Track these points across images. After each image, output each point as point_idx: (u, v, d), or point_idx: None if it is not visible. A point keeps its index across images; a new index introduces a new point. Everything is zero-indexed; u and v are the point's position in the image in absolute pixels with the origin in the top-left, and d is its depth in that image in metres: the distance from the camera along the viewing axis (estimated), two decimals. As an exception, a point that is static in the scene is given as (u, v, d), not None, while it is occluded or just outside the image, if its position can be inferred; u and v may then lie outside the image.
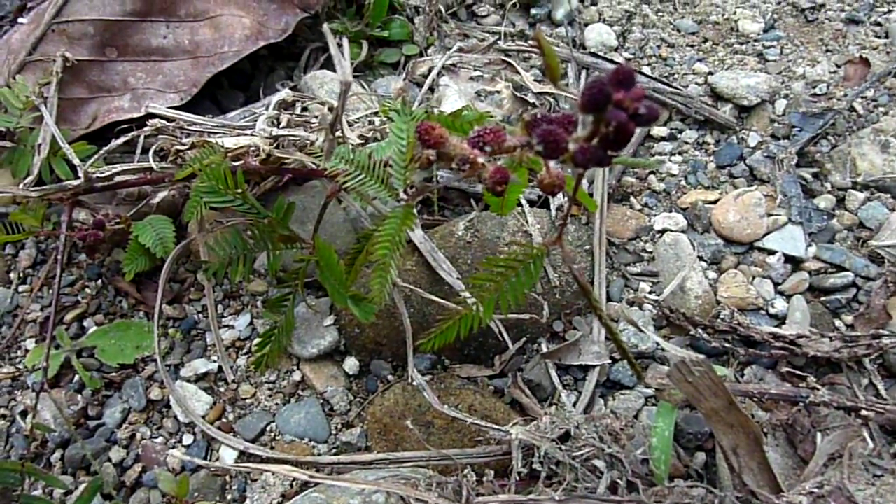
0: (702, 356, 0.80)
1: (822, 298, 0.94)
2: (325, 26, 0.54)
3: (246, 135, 0.86)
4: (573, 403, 0.90)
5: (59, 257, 0.90)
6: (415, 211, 0.65)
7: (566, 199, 0.98)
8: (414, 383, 0.88)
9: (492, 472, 0.80)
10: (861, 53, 1.12)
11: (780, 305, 0.94)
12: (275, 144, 0.80)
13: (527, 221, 0.94)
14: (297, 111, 0.86)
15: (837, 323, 0.93)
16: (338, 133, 0.63)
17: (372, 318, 0.77)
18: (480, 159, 0.63)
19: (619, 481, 0.78)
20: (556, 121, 0.57)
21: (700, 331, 0.92)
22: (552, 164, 0.62)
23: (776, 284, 0.96)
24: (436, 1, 1.14)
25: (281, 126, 0.79)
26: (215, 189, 0.82)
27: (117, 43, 1.03)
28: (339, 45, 0.56)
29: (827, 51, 1.15)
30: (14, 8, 1.16)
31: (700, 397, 0.78)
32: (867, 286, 0.93)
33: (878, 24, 1.17)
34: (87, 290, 0.99)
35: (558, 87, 0.56)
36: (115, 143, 0.92)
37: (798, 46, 1.15)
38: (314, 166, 0.81)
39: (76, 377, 0.93)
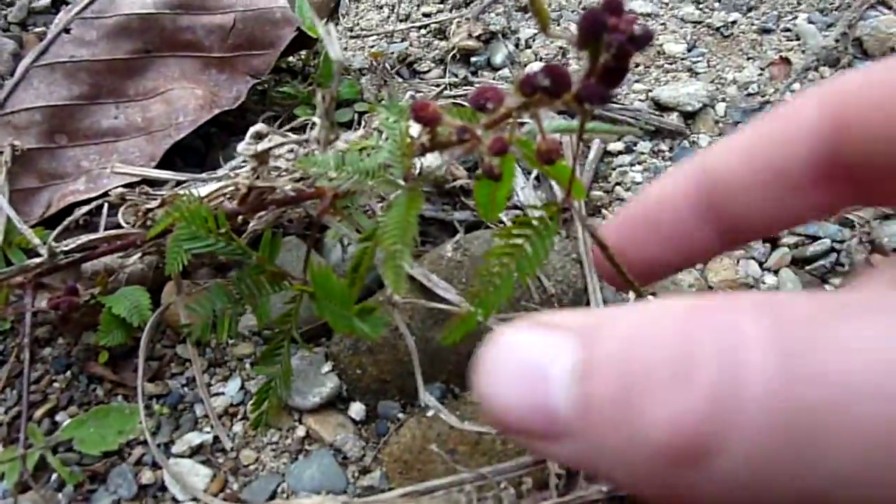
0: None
1: (807, 268, 0.96)
2: (323, 25, 0.55)
3: (220, 181, 0.83)
4: (594, 408, 0.86)
5: (25, 341, 0.83)
6: (422, 194, 0.64)
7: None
8: (428, 413, 0.84)
9: (530, 481, 0.75)
10: (780, 55, 1.20)
11: (770, 280, 0.95)
12: (255, 176, 0.78)
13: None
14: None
15: (828, 287, 0.94)
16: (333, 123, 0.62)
17: (382, 333, 0.73)
18: (479, 130, 0.63)
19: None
20: (552, 64, 0.58)
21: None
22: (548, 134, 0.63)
23: (760, 263, 0.97)
24: (382, 60, 1.17)
25: (263, 145, 0.77)
26: (196, 235, 0.78)
27: (67, 128, 1.01)
28: (327, 30, 0.57)
29: (749, 58, 1.23)
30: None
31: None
32: (844, 247, 0.96)
33: (788, 29, 1.27)
34: (56, 383, 0.91)
35: (549, 34, 0.57)
36: (76, 214, 0.88)
37: (722, 58, 1.23)
38: (294, 194, 0.79)
39: (54, 476, 0.84)
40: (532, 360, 0.37)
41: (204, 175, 0.92)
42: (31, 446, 0.85)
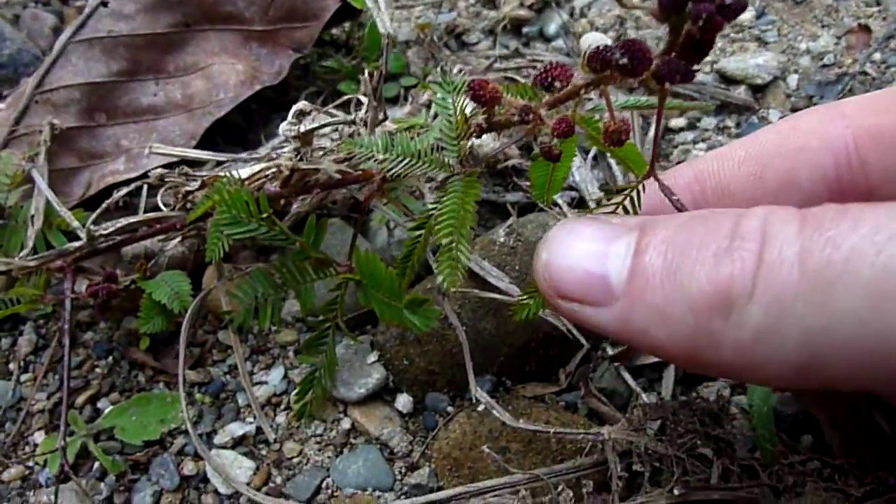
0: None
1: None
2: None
3: (260, 163, 0.79)
4: (659, 399, 0.81)
5: (65, 327, 0.81)
6: (479, 179, 0.58)
7: (602, 193, 0.93)
8: (479, 408, 0.79)
9: (591, 484, 0.70)
10: (858, 22, 1.11)
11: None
12: (298, 157, 0.74)
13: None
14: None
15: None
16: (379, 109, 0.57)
17: (434, 325, 0.69)
18: (542, 111, 0.58)
19: (731, 467, 0.69)
20: (630, 40, 0.52)
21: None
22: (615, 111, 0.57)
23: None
24: (429, 32, 1.11)
25: (307, 126, 0.73)
26: (237, 219, 0.74)
27: (106, 106, 0.98)
28: (376, 1, 0.51)
29: (823, 26, 1.14)
30: (-11, 99, 1.11)
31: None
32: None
33: (867, -6, 1.17)
34: (98, 369, 0.90)
35: (625, 4, 0.51)
36: (115, 196, 0.85)
37: (794, 26, 1.14)
38: (340, 176, 0.74)
39: (96, 464, 0.82)
40: (594, 237, 0.46)
41: (245, 155, 0.88)
42: (72, 434, 0.83)
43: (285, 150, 0.77)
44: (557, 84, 0.54)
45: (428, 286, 0.84)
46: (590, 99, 0.86)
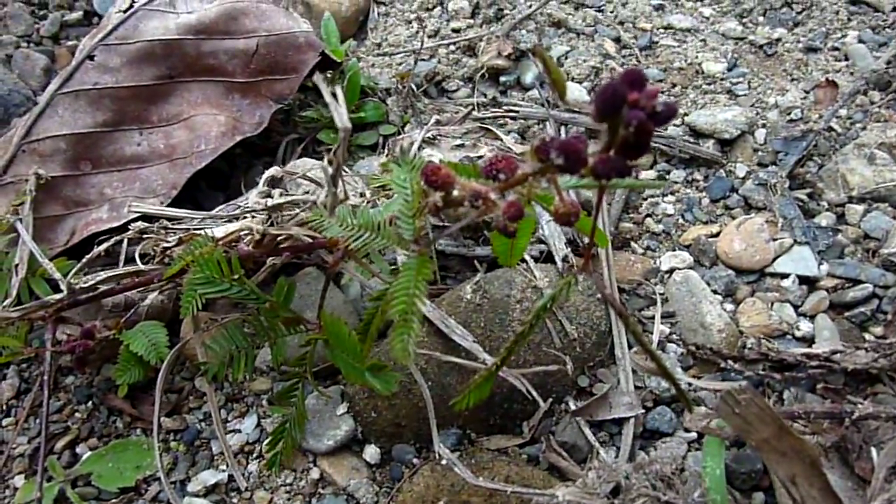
0: (745, 383, 0.76)
1: (846, 314, 0.91)
2: (318, 76, 0.53)
3: (235, 222, 0.82)
4: (613, 459, 0.84)
5: (45, 378, 0.84)
6: (430, 259, 0.61)
7: (569, 249, 0.96)
8: (442, 461, 0.82)
9: (544, 544, 0.73)
10: (826, 77, 1.14)
11: (805, 327, 0.91)
12: (268, 222, 0.77)
13: (535, 276, 0.91)
14: (287, 188, 0.83)
15: (867, 336, 0.90)
16: (339, 189, 0.60)
17: (394, 389, 0.72)
18: (492, 195, 0.61)
19: (682, 531, 0.71)
20: (567, 139, 0.55)
21: (731, 363, 0.88)
22: (565, 194, 0.60)
23: (796, 307, 0.93)
24: (409, 80, 1.14)
25: (274, 200, 0.76)
26: (210, 279, 0.78)
27: (91, 155, 1.01)
28: (333, 94, 0.54)
29: (792, 79, 1.17)
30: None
31: (749, 428, 0.73)
32: (888, 294, 0.91)
33: (836, 48, 1.20)
34: (77, 413, 0.92)
35: (566, 102, 0.54)
36: (96, 250, 0.88)
37: (764, 79, 1.18)
38: (310, 240, 0.77)
39: (72, 510, 0.85)
40: None
41: (221, 211, 0.91)
42: (51, 479, 0.86)
43: (258, 213, 0.80)
44: (502, 176, 0.57)
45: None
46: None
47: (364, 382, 0.73)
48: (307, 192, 0.82)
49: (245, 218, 0.80)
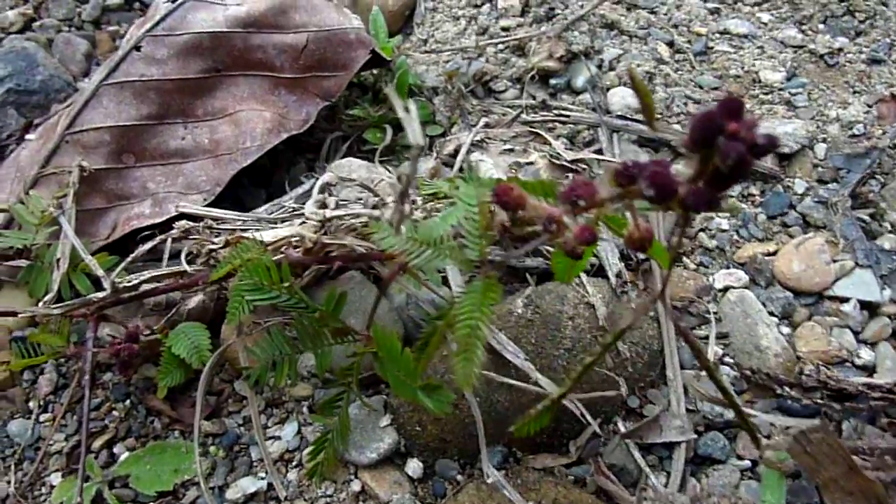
0: (814, 421, 0.73)
1: (910, 343, 0.88)
2: (390, 87, 0.50)
3: (284, 227, 0.80)
4: (664, 485, 0.81)
5: (86, 378, 0.82)
6: (499, 283, 0.59)
7: (623, 264, 0.93)
8: (488, 480, 0.80)
9: (596, 574, 0.71)
10: (891, 91, 1.10)
11: (865, 355, 0.88)
12: (322, 231, 0.74)
13: (587, 292, 0.88)
14: (340, 195, 0.81)
15: (932, 368, 0.86)
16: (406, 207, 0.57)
17: (448, 410, 0.70)
18: (566, 218, 0.58)
19: (741, 569, 0.69)
20: (656, 168, 0.52)
21: (787, 390, 0.85)
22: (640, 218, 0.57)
23: (856, 333, 0.90)
24: (457, 80, 1.11)
25: (330, 209, 0.74)
26: (258, 286, 0.75)
27: (134, 148, 0.99)
28: (406, 108, 0.52)
29: (855, 92, 1.13)
30: (20, 126, 1.13)
31: (818, 467, 0.70)
32: (956, 325, 0.88)
33: (902, 61, 1.16)
34: (115, 412, 0.91)
35: (653, 127, 0.51)
36: (141, 249, 0.86)
37: (824, 91, 1.14)
38: (363, 251, 0.75)
39: (109, 511, 0.84)
40: None
41: (268, 213, 0.88)
42: (88, 479, 0.84)
43: (309, 209, 0.78)
44: (582, 203, 0.55)
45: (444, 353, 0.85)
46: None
47: (416, 400, 0.71)
48: (359, 199, 0.80)
49: (294, 223, 0.78)
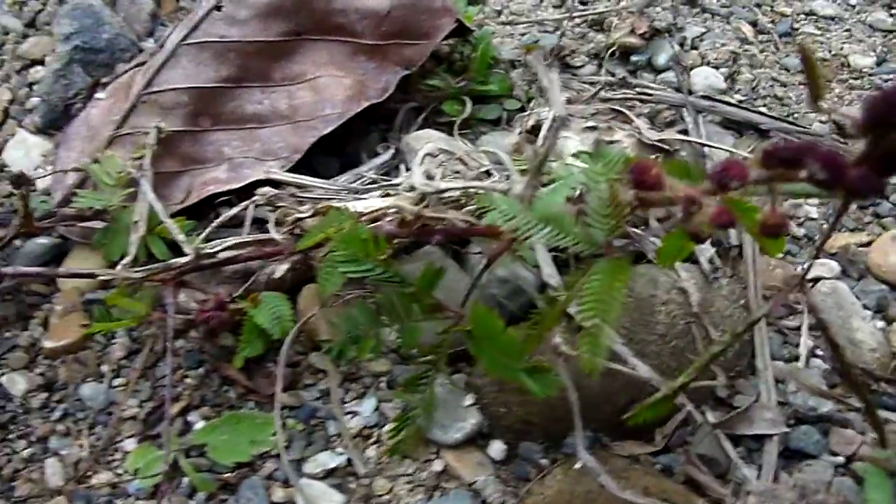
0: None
1: None
2: (532, 55, 0.47)
3: (375, 197, 0.78)
4: (756, 478, 0.79)
5: (167, 345, 0.81)
6: (629, 264, 0.56)
7: (714, 249, 0.90)
8: (577, 465, 0.78)
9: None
10: None
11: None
12: (423, 203, 0.72)
13: (679, 277, 0.85)
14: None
15: None
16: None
17: (554, 393, 0.67)
18: (707, 200, 0.55)
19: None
20: (827, 152, 0.49)
21: (884, 385, 0.82)
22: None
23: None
24: (535, 53, 1.08)
25: (444, 184, 0.71)
26: (354, 257, 0.73)
27: (211, 111, 0.96)
28: (550, 76, 0.49)
29: (949, 80, 1.09)
30: (88, 85, 1.10)
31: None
32: None
33: None
34: (188, 379, 0.89)
35: (817, 107, 0.48)
36: (224, 215, 0.84)
37: (918, 78, 1.10)
38: (464, 226, 0.72)
39: (185, 480, 0.82)
40: None
41: (356, 183, 0.86)
42: (161, 447, 0.83)
43: (418, 180, 0.74)
44: (734, 184, 0.52)
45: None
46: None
47: (517, 381, 0.69)
48: (457, 173, 0.77)
49: (387, 192, 0.75)
